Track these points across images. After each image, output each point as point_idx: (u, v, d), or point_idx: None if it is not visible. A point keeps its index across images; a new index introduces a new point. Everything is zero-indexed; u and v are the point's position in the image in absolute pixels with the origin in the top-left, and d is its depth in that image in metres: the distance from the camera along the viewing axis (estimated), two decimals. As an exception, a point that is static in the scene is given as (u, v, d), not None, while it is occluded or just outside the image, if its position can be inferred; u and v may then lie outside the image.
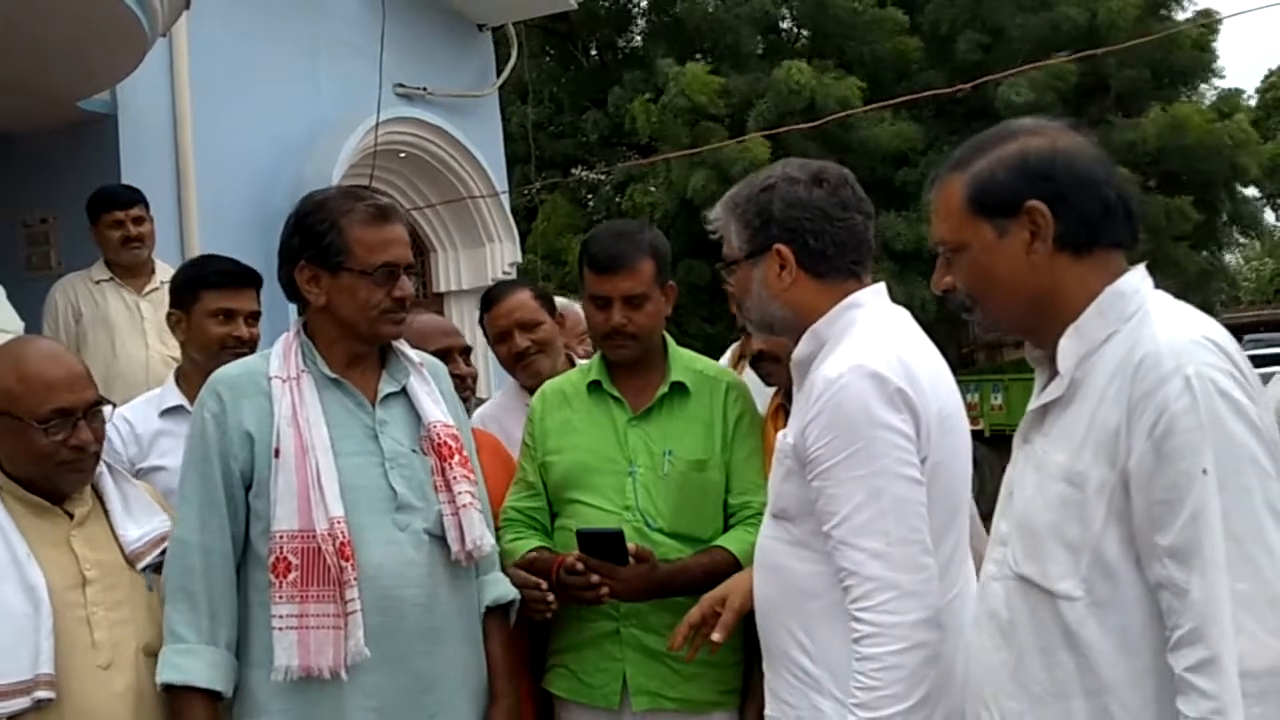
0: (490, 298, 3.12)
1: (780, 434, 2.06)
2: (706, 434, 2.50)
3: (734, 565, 2.32)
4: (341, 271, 2.15)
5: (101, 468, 2.23)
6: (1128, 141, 11.89)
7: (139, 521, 2.21)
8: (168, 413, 2.82)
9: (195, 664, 2.05)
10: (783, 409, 2.72)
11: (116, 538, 2.18)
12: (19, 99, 5.01)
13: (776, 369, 2.64)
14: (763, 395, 2.97)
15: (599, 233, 2.67)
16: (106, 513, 2.20)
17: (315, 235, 2.16)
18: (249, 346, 2.82)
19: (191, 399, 2.75)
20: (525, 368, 3.00)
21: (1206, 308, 5.35)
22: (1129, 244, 1.61)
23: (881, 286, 2.07)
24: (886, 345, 1.91)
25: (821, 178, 2.04)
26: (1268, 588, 1.39)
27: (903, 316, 2.05)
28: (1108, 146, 11.96)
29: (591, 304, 2.54)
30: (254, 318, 2.88)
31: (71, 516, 2.15)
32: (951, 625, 1.84)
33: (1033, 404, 1.66)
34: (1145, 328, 1.52)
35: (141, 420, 2.83)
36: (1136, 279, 1.59)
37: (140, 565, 2.17)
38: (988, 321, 1.68)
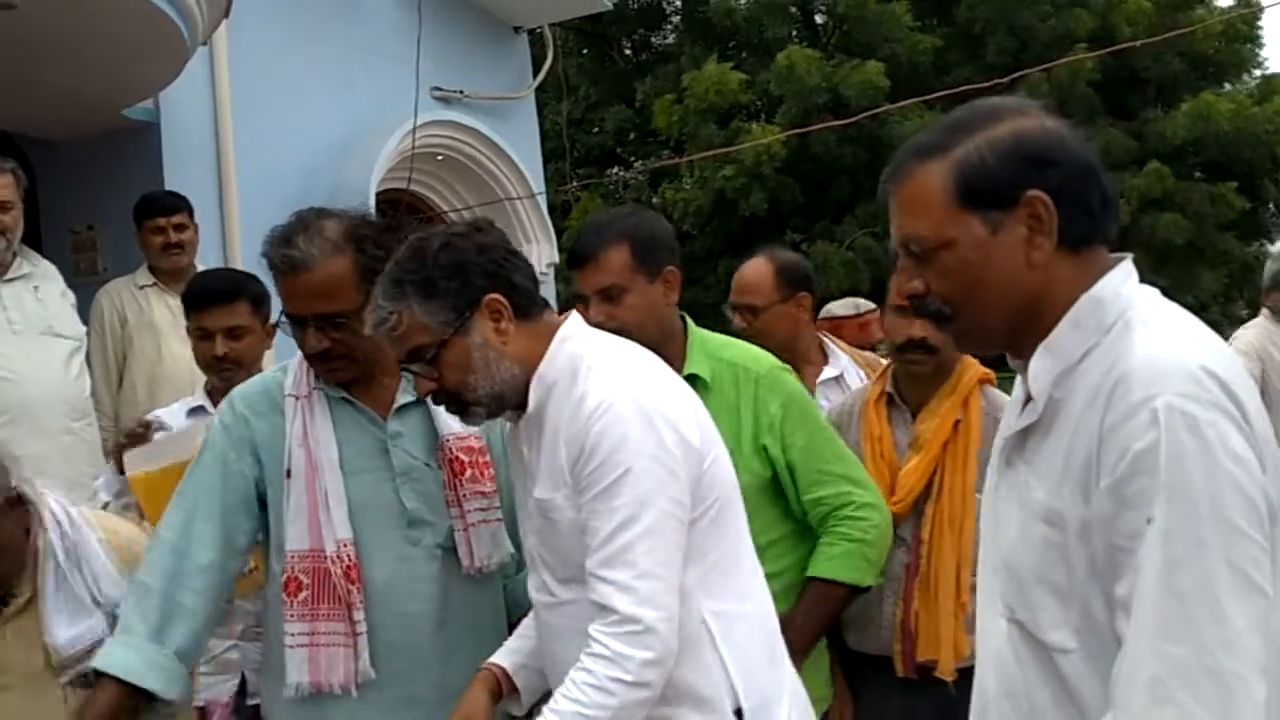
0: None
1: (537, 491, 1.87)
2: (732, 433, 2.27)
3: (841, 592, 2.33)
4: None
5: (53, 553, 2.09)
6: (1159, 133, 11.75)
7: (73, 621, 2.09)
8: (193, 412, 2.97)
9: (125, 654, 2.02)
10: (886, 396, 2.69)
11: (45, 638, 2.04)
12: (65, 108, 5.10)
13: (928, 360, 2.57)
14: None
15: (582, 226, 2.52)
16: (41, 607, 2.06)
17: None
18: (232, 362, 2.89)
19: (213, 404, 2.93)
20: None
21: (1254, 300, 5.26)
22: (1113, 239, 1.43)
23: (575, 315, 1.95)
24: (632, 366, 1.84)
25: (477, 226, 1.91)
26: (1207, 655, 1.18)
27: (609, 338, 1.94)
28: (1141, 139, 11.63)
29: (578, 302, 2.40)
30: (233, 332, 2.89)
31: (5, 605, 2.04)
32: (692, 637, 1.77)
33: (1008, 427, 1.47)
34: (1124, 343, 1.31)
35: (172, 419, 2.98)
36: (1118, 281, 1.38)
37: (64, 678, 2.05)
38: (969, 332, 1.45)
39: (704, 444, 1.81)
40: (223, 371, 2.92)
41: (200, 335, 2.93)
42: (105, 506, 2.80)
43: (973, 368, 2.64)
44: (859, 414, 2.73)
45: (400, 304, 1.82)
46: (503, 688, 1.97)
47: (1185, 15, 12.45)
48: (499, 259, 1.86)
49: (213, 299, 2.92)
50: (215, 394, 2.96)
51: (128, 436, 2.82)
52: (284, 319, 2.15)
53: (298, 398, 2.16)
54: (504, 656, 2.01)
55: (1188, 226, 11.24)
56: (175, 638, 2.06)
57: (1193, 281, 11.83)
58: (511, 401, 1.86)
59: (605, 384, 1.77)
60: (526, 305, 1.87)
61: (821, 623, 2.42)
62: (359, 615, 2.07)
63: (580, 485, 1.76)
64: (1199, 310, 12.46)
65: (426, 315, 1.81)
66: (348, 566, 2.07)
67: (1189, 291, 11.78)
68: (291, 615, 2.09)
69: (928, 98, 8.80)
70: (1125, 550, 1.24)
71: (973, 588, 2.34)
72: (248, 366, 2.92)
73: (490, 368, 1.82)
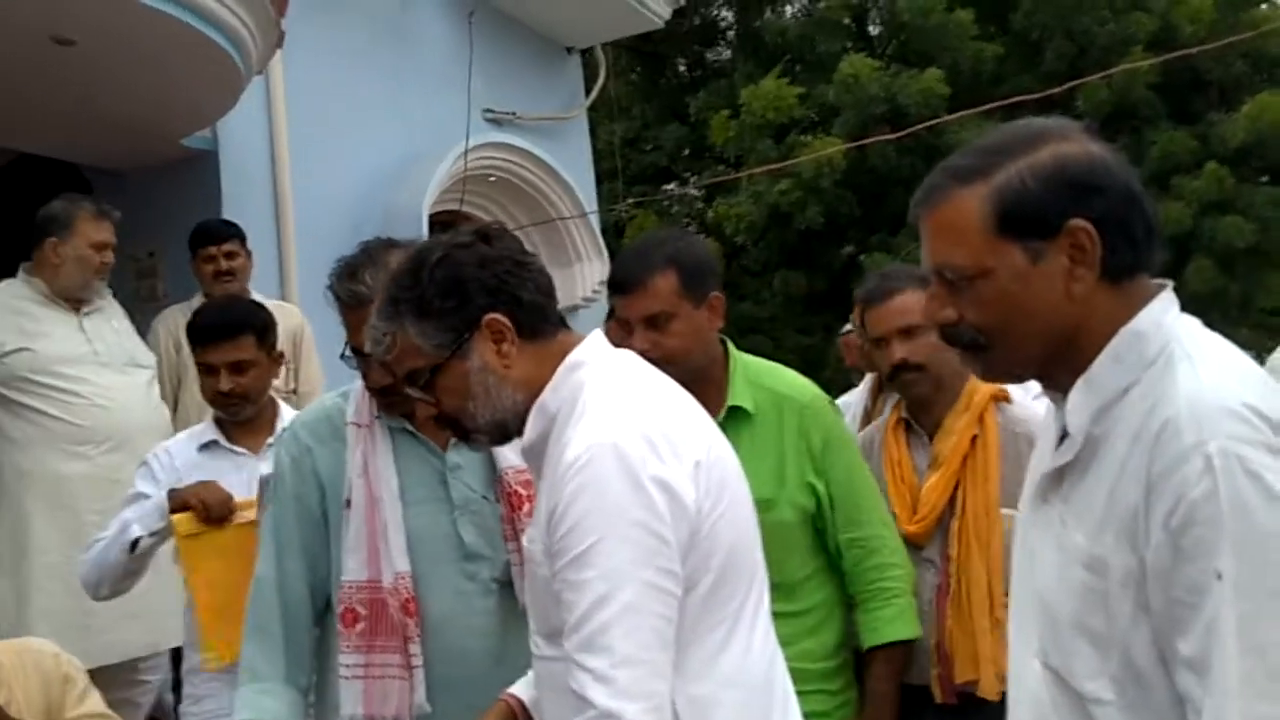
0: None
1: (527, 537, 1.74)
2: (775, 467, 2.27)
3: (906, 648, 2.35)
4: None
5: None
6: (1220, 136, 11.49)
7: None
8: (204, 448, 2.93)
9: (274, 704, 2.09)
10: (904, 423, 2.67)
11: None
12: (126, 139, 5.21)
13: (921, 377, 2.55)
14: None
15: (623, 250, 2.48)
16: None
17: None
18: (238, 397, 2.87)
19: (225, 437, 2.92)
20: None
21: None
22: (1156, 268, 1.38)
23: (597, 334, 1.75)
24: (629, 410, 1.60)
25: (483, 235, 1.72)
26: None
27: (635, 363, 1.73)
28: (1204, 142, 11.27)
29: (616, 327, 2.32)
30: (237, 367, 2.85)
31: None
32: (747, 683, 1.62)
33: (1043, 463, 1.41)
34: (1168, 381, 1.26)
35: (180, 453, 2.95)
36: (1158, 311, 1.33)
37: None
38: (1001, 362, 1.40)
39: (703, 504, 1.58)
40: (229, 406, 2.89)
41: (205, 370, 2.88)
42: (137, 541, 2.77)
43: (984, 386, 2.60)
44: (880, 442, 2.73)
45: (394, 324, 1.68)
46: None
47: (1247, 14, 12.17)
48: (504, 273, 1.67)
49: (214, 334, 2.86)
50: (224, 425, 2.95)
51: (203, 505, 2.73)
52: (348, 351, 2.13)
53: (359, 426, 2.14)
54: (523, 689, 1.87)
55: (1252, 230, 10.95)
56: (300, 676, 2.14)
57: (1263, 287, 11.51)
58: (515, 430, 1.70)
59: (591, 433, 1.56)
60: (536, 324, 1.68)
61: (900, 684, 2.46)
62: (415, 648, 2.06)
63: (553, 549, 1.56)
64: (1270, 318, 12.17)
65: (420, 337, 1.66)
66: (405, 600, 2.06)
67: (1261, 298, 11.47)
68: (347, 646, 2.09)
69: (986, 108, 8.68)
70: (1186, 604, 1.19)
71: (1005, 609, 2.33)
72: (255, 399, 2.90)
73: (490, 394, 1.66)
